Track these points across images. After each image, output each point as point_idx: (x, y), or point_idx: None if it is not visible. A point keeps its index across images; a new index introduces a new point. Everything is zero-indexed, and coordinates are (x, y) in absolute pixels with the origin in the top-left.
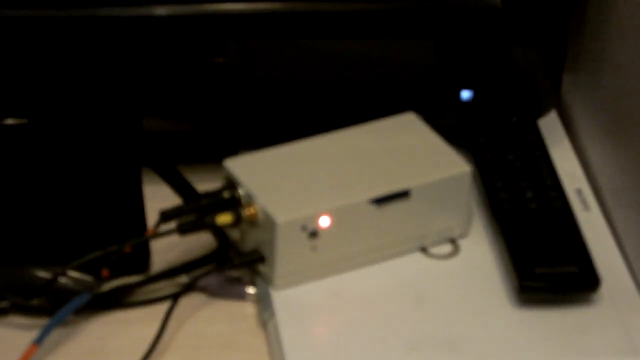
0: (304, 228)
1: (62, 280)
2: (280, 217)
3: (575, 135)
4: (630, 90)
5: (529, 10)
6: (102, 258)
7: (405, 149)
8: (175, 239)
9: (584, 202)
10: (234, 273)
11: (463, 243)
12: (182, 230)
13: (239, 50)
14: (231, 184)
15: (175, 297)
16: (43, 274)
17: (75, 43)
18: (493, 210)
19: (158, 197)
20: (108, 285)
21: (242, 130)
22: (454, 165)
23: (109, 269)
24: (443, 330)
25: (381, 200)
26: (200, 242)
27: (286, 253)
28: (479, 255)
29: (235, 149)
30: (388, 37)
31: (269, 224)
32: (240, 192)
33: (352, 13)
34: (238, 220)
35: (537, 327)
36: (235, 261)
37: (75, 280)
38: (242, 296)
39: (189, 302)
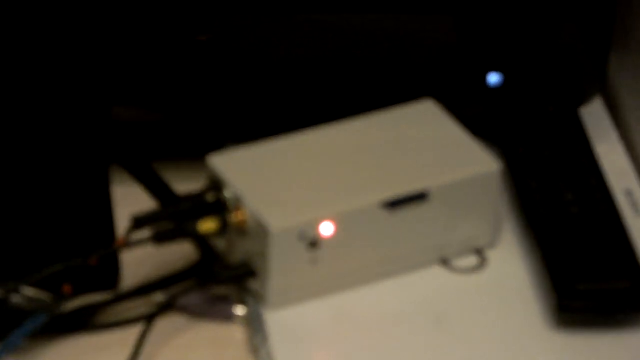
0: (302, 237)
1: (15, 298)
2: (275, 224)
3: (624, 126)
4: None
5: None
6: (62, 272)
7: (423, 143)
8: (149, 249)
9: (634, 205)
10: (220, 290)
11: (491, 254)
12: (158, 239)
13: (225, 26)
14: (216, 184)
15: (149, 319)
16: None
17: (31, 17)
18: (527, 216)
19: (129, 200)
20: (70, 305)
21: (229, 121)
22: (480, 163)
23: (71, 286)
24: (467, 357)
25: (394, 204)
26: (180, 253)
27: (281, 267)
28: (510, 269)
29: (221, 143)
30: (402, 12)
31: (261, 233)
32: (227, 194)
33: None
34: (224, 228)
35: (580, 354)
36: (221, 276)
37: (30, 298)
38: (229, 317)
39: (166, 324)
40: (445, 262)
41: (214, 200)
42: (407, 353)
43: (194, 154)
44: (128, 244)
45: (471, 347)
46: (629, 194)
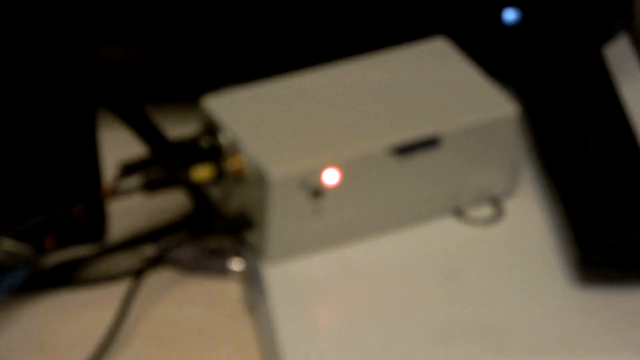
0: (304, 185)
1: None
2: (275, 171)
3: None
4: None
5: None
6: (44, 223)
7: (435, 84)
8: (139, 199)
9: None
10: (215, 243)
11: (508, 204)
12: (149, 187)
13: None
14: (211, 128)
15: (138, 274)
16: None
17: None
18: (547, 163)
19: (117, 145)
20: (52, 259)
21: (225, 60)
22: (496, 105)
23: (53, 238)
24: (482, 315)
25: (404, 150)
26: (172, 203)
27: (282, 217)
28: (529, 220)
29: (217, 84)
30: None
31: (260, 180)
32: (223, 139)
33: None
34: (220, 176)
35: (603, 312)
36: (216, 227)
37: (9, 252)
38: (225, 272)
39: (156, 280)
40: (458, 212)
41: (209, 146)
42: (417, 311)
43: (188, 95)
44: (115, 193)
45: (486, 304)
46: None
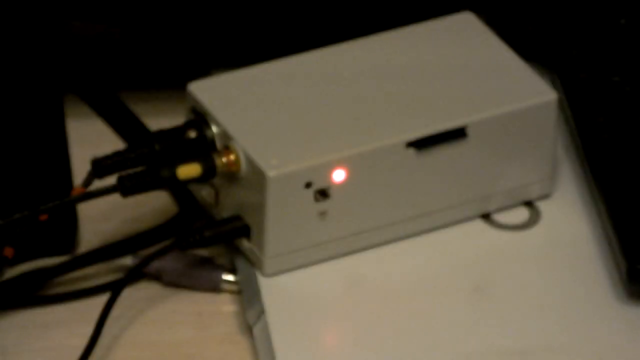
0: (308, 184)
1: None
2: (274, 167)
3: None
4: None
5: None
6: (3, 230)
7: (460, 66)
8: (115, 201)
9: None
10: (204, 252)
11: (544, 208)
12: (126, 188)
13: None
14: (199, 118)
15: (115, 290)
16: None
17: None
18: (589, 160)
19: (89, 138)
20: (13, 272)
21: (215, 39)
22: (531, 92)
23: (13, 247)
24: (514, 337)
25: (424, 143)
26: (154, 206)
27: (282, 221)
28: (568, 226)
29: (206, 67)
30: None
31: (256, 178)
32: (213, 130)
33: None
34: (209, 173)
35: None
36: (206, 234)
37: None
38: (216, 286)
39: (135, 295)
40: (487, 216)
41: (197, 138)
42: (439, 329)
43: (171, 81)
44: (87, 195)
45: (518, 325)
46: None
